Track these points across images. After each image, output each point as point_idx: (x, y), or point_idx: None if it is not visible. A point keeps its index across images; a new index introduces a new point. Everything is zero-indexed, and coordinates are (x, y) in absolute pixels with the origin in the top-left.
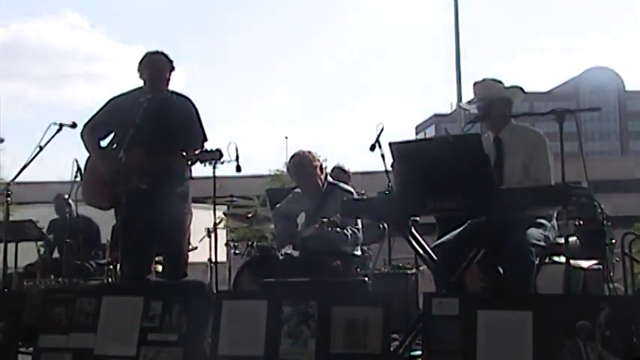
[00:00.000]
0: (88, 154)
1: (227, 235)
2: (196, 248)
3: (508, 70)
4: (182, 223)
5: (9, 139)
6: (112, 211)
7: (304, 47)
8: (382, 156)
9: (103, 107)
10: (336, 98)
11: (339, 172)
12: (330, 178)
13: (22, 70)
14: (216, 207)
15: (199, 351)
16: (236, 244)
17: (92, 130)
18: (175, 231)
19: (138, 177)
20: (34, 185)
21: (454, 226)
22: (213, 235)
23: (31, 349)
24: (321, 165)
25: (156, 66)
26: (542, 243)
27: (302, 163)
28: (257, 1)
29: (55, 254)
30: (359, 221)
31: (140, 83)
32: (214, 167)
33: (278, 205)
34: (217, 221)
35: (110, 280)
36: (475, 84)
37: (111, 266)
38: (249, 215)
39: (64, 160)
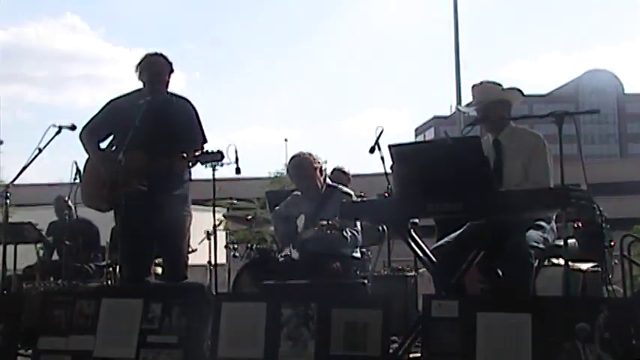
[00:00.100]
0: (87, 156)
1: (226, 237)
2: (196, 250)
3: (507, 72)
4: (182, 226)
5: (9, 141)
6: (112, 213)
7: (304, 49)
8: (382, 158)
9: (102, 109)
10: (335, 100)
11: (339, 174)
12: (329, 181)
13: (22, 73)
14: (216, 209)
15: (199, 353)
16: (235, 246)
17: (91, 133)
18: (175, 233)
19: (137, 179)
20: (34, 187)
21: (453, 229)
22: (212, 237)
23: (30, 351)
24: (321, 167)
25: (155, 68)
26: (541, 245)
27: (302, 165)
28: (256, 4)
29: (55, 256)
30: (358, 223)
31: (139, 85)
32: (214, 169)
33: (277, 208)
34: (217, 223)
35: (109, 282)
36: (473, 87)
37: (110, 268)
38: (249, 217)
39: (63, 163)
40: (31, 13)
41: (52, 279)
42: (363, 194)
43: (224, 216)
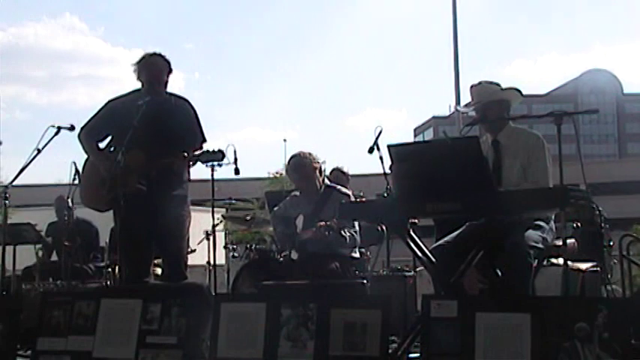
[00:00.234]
0: (86, 157)
1: (226, 237)
2: (195, 251)
3: (507, 72)
4: (181, 226)
5: (7, 141)
6: (111, 213)
7: (303, 49)
8: (381, 158)
9: (100, 110)
10: (334, 100)
11: (339, 174)
12: (327, 181)
13: (21, 73)
14: (215, 209)
15: (198, 353)
16: (235, 246)
17: (90, 133)
18: (174, 234)
19: (137, 179)
20: (32, 188)
21: (452, 229)
22: (211, 237)
23: (29, 352)
24: (320, 167)
25: (154, 68)
26: (540, 245)
27: (302, 164)
28: (255, 4)
29: (54, 257)
30: (356, 224)
31: (138, 85)
32: (213, 170)
33: (276, 208)
34: (216, 224)
35: (109, 282)
36: (472, 87)
37: (109, 269)
38: (248, 218)
39: (62, 163)
40: (30, 14)
41: (51, 280)
42: (362, 194)
43: (223, 216)
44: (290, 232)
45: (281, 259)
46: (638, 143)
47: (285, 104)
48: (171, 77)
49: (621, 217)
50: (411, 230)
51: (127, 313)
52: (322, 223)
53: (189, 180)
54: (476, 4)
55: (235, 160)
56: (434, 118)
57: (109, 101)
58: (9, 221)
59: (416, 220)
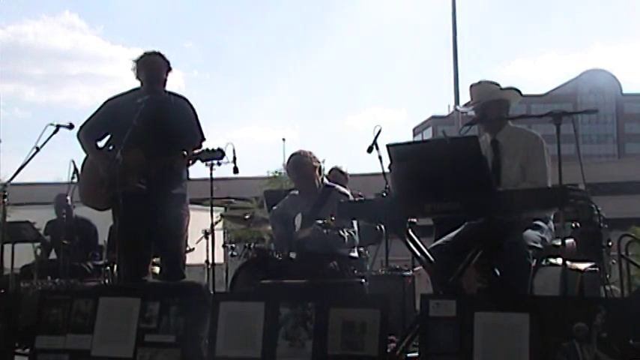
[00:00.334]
0: (85, 155)
1: (224, 236)
2: (193, 250)
3: (506, 72)
4: (180, 225)
5: (7, 139)
6: (110, 212)
7: (302, 49)
8: (380, 158)
9: (99, 108)
10: (333, 100)
11: (337, 173)
12: (326, 180)
13: (20, 71)
14: (214, 208)
15: (196, 352)
16: (233, 245)
17: (89, 132)
18: (173, 232)
19: (136, 178)
20: (31, 186)
21: (451, 228)
22: (210, 236)
23: (27, 350)
24: (320, 167)
25: (153, 66)
26: (539, 245)
27: (301, 163)
28: (255, 3)
29: (52, 255)
30: (354, 223)
31: (138, 84)
32: (212, 169)
33: (275, 207)
34: (214, 222)
35: (107, 281)
36: (472, 86)
37: (108, 267)
38: (247, 217)
39: (61, 161)
40: (30, 12)
41: (49, 278)
42: (360, 194)
43: (222, 215)
44: (288, 231)
45: (280, 258)
46: (637, 143)
47: (284, 103)
48: (170, 76)
49: (620, 217)
50: (409, 230)
51: (125, 312)
52: (320, 222)
53: (188, 179)
54: (475, 4)
55: (234, 159)
56: (433, 117)
57: (108, 100)
58: (7, 219)
59: (415, 220)
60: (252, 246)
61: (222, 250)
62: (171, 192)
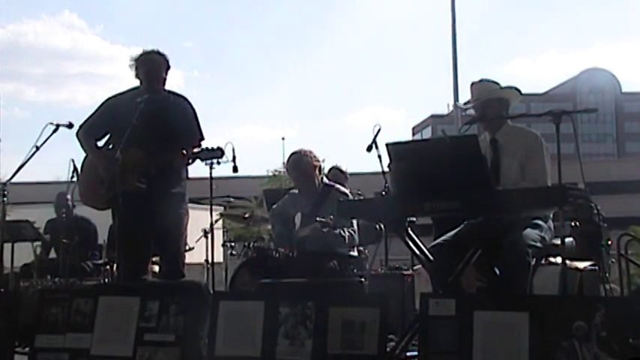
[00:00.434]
0: (84, 155)
1: (224, 235)
2: (193, 249)
3: (505, 71)
4: (179, 224)
5: (6, 139)
6: (110, 211)
7: (301, 48)
8: (379, 157)
9: (99, 108)
10: (333, 99)
11: (337, 172)
12: (326, 180)
13: (20, 70)
14: (213, 207)
15: (196, 351)
16: (233, 244)
17: (88, 131)
18: (172, 232)
19: (135, 177)
20: (31, 185)
21: (451, 227)
22: (210, 235)
23: (27, 349)
24: (320, 166)
25: (152, 65)
26: (538, 244)
27: (302, 162)
28: (255, 3)
29: (52, 254)
30: (354, 222)
31: (137, 83)
32: (211, 168)
33: (275, 206)
34: (214, 221)
35: (107, 280)
36: (473, 84)
37: (108, 266)
38: (246, 216)
39: (60, 161)
40: (30, 11)
41: (49, 277)
42: (360, 193)
43: (221, 214)
44: (288, 230)
45: (279, 257)
46: (636, 142)
47: (284, 103)
48: (169, 75)
49: (619, 216)
50: (409, 229)
51: (124, 311)
52: (320, 220)
53: (188, 178)
54: (475, 3)
55: (234, 158)
56: (432, 116)
57: (108, 99)
58: (7, 218)
59: (414, 219)
60: (251, 245)
61: (221, 249)
62: (170, 191)
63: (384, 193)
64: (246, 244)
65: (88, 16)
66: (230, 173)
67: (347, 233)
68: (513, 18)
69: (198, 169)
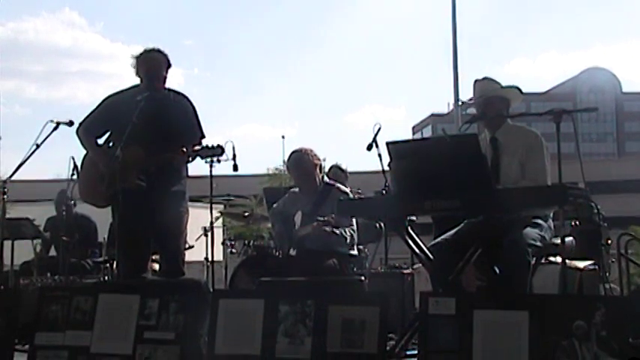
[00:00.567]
0: (84, 152)
1: (224, 234)
2: (193, 247)
3: (506, 70)
4: (179, 222)
5: (7, 136)
6: (110, 209)
7: (302, 46)
8: (379, 155)
9: (99, 106)
10: (333, 98)
11: (337, 171)
12: (326, 178)
13: (20, 68)
14: (213, 206)
15: (196, 350)
16: (233, 242)
17: (88, 129)
18: (172, 229)
19: (135, 175)
20: (31, 183)
21: (451, 226)
22: (209, 233)
23: (27, 346)
24: (321, 164)
25: (152, 63)
26: (538, 243)
27: (302, 160)
28: (255, 2)
29: (52, 252)
30: (354, 221)
31: (138, 81)
32: (211, 166)
33: (275, 205)
34: (214, 220)
35: (107, 278)
36: (476, 81)
37: (107, 264)
38: (246, 214)
39: (61, 158)
40: (30, 9)
41: (49, 275)
42: (360, 191)
43: (221, 213)
44: (288, 229)
45: (279, 255)
46: (636, 142)
47: (284, 101)
48: (170, 73)
49: (620, 215)
50: (409, 227)
51: (124, 309)
52: (320, 219)
53: (188, 176)
54: (476, 2)
55: (234, 156)
56: (432, 115)
57: (108, 97)
58: (7, 216)
59: (414, 218)
60: (251, 243)
61: (221, 247)
62: (170, 189)
63: (384, 191)
64: (246, 242)
65: (89, 14)
66: (230, 171)
67: (349, 233)
68: (514, 17)
69: (198, 168)
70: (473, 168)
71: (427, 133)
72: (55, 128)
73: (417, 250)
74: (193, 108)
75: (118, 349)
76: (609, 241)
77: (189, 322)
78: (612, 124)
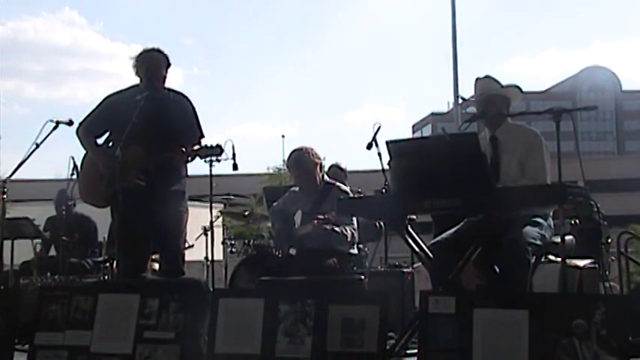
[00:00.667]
0: (84, 152)
1: (224, 233)
2: (193, 246)
3: (505, 69)
4: (179, 221)
5: (6, 136)
6: (110, 208)
7: (301, 46)
8: (379, 154)
9: (98, 105)
10: (333, 97)
11: (337, 170)
12: (327, 177)
13: (20, 67)
14: (213, 205)
15: (196, 349)
16: (232, 242)
17: (88, 129)
18: (172, 229)
19: (135, 175)
20: (31, 183)
21: (451, 225)
22: (209, 233)
23: (27, 346)
24: (321, 164)
25: (152, 63)
26: (538, 242)
27: (302, 159)
28: (255, 1)
29: (52, 252)
30: (354, 220)
31: (137, 81)
32: (211, 165)
33: (275, 204)
34: (214, 219)
35: (107, 277)
36: (477, 79)
37: (107, 264)
38: (246, 213)
39: (60, 158)
40: (30, 8)
41: (49, 274)
42: (360, 190)
43: (221, 212)
44: (288, 228)
45: (279, 254)
46: (636, 141)
47: (283, 100)
48: (169, 73)
49: (619, 214)
50: (409, 226)
51: (124, 308)
52: (320, 217)
53: (187, 176)
54: (475, 1)
55: (234, 155)
56: (432, 114)
57: (107, 97)
58: (7, 216)
59: (414, 216)
60: (251, 243)
61: (221, 246)
62: (170, 189)
63: (384, 190)
64: (246, 241)
65: (88, 14)
66: (230, 171)
67: (349, 232)
68: (513, 16)
69: (198, 167)
70: (473, 167)
71: (427, 131)
72: (55, 128)
73: (416, 249)
74: (193, 108)
75: (118, 348)
76: (609, 240)
77: (189, 321)
78: (612, 123)
